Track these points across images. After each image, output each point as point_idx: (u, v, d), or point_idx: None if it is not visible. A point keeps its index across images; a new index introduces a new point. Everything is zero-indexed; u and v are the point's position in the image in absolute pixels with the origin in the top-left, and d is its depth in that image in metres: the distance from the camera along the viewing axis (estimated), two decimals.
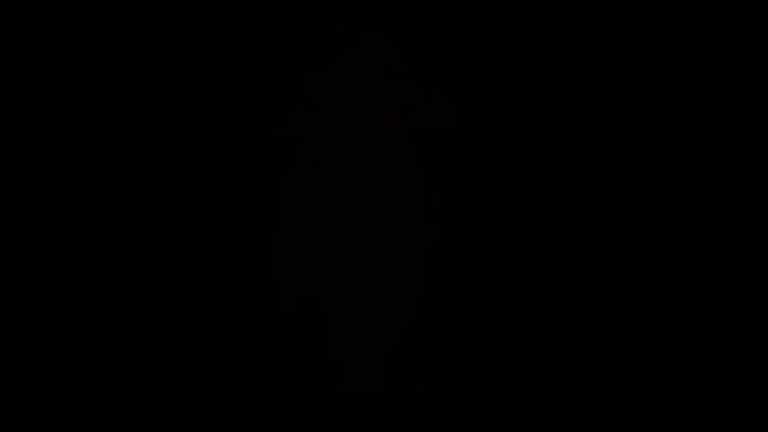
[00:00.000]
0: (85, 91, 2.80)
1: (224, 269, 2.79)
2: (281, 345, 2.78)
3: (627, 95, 2.77)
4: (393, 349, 2.75)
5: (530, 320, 2.75)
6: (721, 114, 2.74)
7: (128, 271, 2.79)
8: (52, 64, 2.80)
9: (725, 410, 2.68)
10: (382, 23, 2.78)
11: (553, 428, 2.70)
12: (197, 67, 2.80)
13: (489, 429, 2.72)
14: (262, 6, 2.80)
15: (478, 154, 2.79)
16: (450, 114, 2.79)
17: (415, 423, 2.71)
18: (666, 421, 2.69)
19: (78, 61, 2.80)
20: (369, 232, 2.78)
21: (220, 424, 2.74)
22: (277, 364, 2.77)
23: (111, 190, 2.79)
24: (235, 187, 2.80)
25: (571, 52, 2.77)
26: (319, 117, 2.80)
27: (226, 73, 2.80)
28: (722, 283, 2.71)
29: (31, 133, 2.80)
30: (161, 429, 2.74)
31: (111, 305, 2.78)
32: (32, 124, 2.80)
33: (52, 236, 2.78)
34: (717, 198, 2.72)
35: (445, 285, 2.76)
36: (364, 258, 2.77)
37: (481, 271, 2.76)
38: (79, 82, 2.80)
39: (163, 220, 2.79)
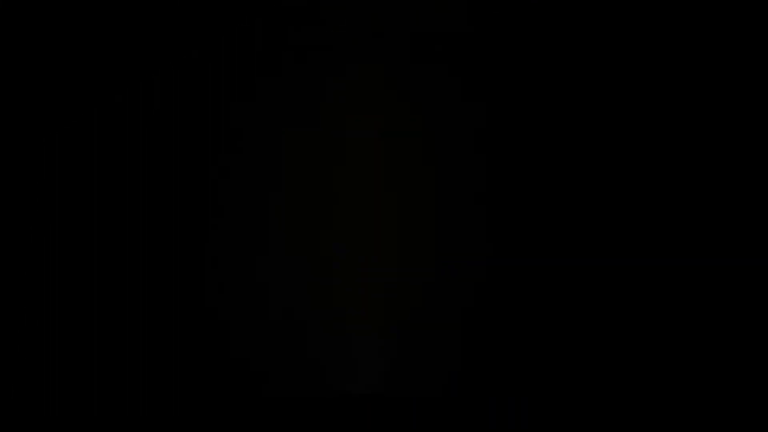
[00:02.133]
0: (85, 91, 2.80)
1: (221, 267, 2.78)
2: (276, 349, 2.77)
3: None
4: (393, 350, 2.75)
5: (532, 323, 2.74)
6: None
7: (128, 271, 2.78)
8: (52, 64, 2.80)
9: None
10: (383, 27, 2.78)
11: None
12: (197, 67, 2.80)
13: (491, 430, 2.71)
14: (262, 6, 2.80)
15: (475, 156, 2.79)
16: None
17: (416, 424, 2.71)
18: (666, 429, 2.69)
19: (78, 61, 2.80)
20: (369, 232, 2.78)
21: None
22: (272, 369, 2.77)
23: (111, 190, 2.79)
24: (232, 188, 2.80)
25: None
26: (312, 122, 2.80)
27: (226, 73, 2.80)
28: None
29: (31, 133, 2.80)
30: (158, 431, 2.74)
31: (110, 306, 2.77)
32: (32, 124, 2.80)
33: (52, 236, 2.78)
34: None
35: (447, 286, 2.76)
36: (363, 258, 2.77)
37: (482, 271, 2.76)
38: (79, 82, 2.80)
39: (163, 220, 2.79)
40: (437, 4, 2.78)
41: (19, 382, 2.74)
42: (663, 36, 2.76)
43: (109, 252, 2.78)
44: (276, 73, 2.80)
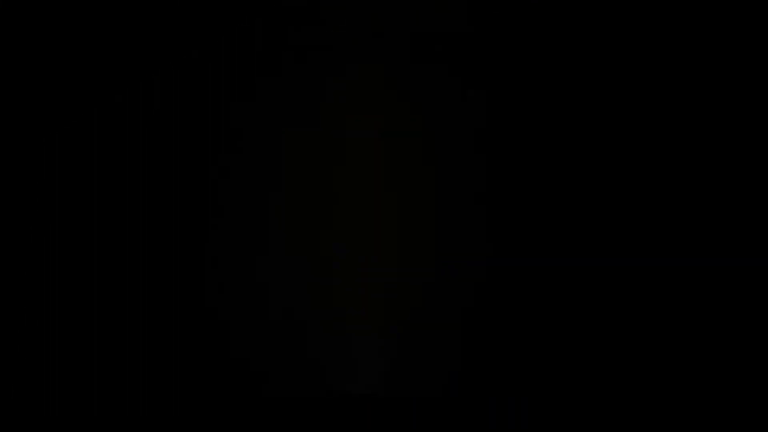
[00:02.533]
0: (85, 91, 2.80)
1: (221, 267, 2.78)
2: (276, 349, 2.77)
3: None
4: (393, 350, 2.75)
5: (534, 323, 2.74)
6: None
7: (128, 271, 2.78)
8: (52, 64, 2.80)
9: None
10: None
11: None
12: (197, 67, 2.80)
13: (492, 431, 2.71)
14: (262, 6, 2.80)
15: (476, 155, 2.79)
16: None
17: (416, 425, 2.71)
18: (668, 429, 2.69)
19: (78, 61, 2.80)
20: (369, 232, 2.77)
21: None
22: (272, 369, 2.76)
23: (111, 190, 2.79)
24: (232, 188, 2.80)
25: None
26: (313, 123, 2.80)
27: (226, 73, 2.80)
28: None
29: (31, 133, 2.79)
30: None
31: (110, 306, 2.77)
32: (32, 124, 2.80)
33: (52, 236, 2.78)
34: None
35: (447, 286, 2.76)
36: (363, 258, 2.77)
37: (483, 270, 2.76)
38: (79, 82, 2.80)
39: (163, 220, 2.79)
40: (437, 4, 2.78)
41: (19, 382, 2.74)
42: (662, 36, 2.76)
43: (109, 252, 2.78)
44: (276, 73, 2.80)
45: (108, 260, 2.78)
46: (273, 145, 2.80)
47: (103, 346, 2.76)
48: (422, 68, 2.79)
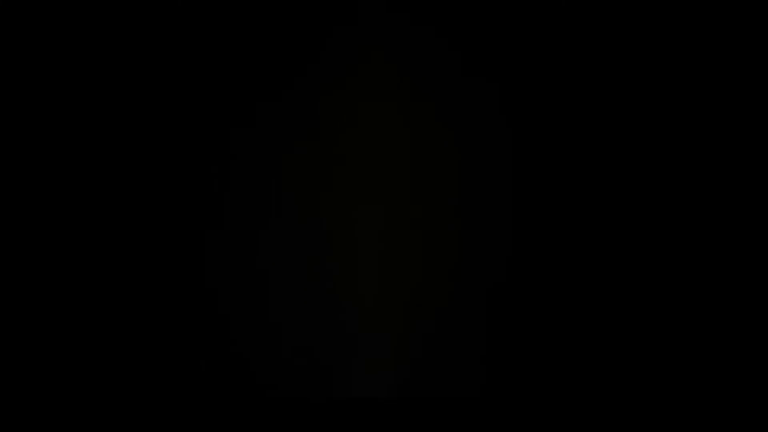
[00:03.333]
0: (85, 91, 2.79)
1: (233, 266, 2.78)
2: (294, 351, 2.77)
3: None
4: (417, 351, 2.74)
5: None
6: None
7: (127, 270, 2.78)
8: (52, 63, 2.78)
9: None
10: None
11: None
12: (197, 67, 2.79)
13: None
14: (264, 8, 2.79)
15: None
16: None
17: (440, 426, 2.71)
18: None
19: (78, 60, 2.78)
20: (391, 229, 2.76)
21: None
22: (289, 371, 2.77)
23: (111, 189, 2.78)
24: (232, 187, 2.79)
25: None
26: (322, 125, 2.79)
27: (226, 75, 2.79)
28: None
29: (31, 133, 2.78)
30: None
31: (110, 305, 2.77)
32: (32, 124, 2.78)
33: (52, 236, 2.77)
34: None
35: (470, 284, 2.75)
36: (386, 256, 2.75)
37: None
38: (79, 82, 2.78)
39: (162, 221, 2.78)
40: None
41: (19, 381, 2.74)
42: (663, 36, 2.76)
43: (109, 251, 2.77)
44: (287, 71, 2.79)
45: (108, 259, 2.77)
46: (283, 139, 2.78)
47: (103, 345, 2.76)
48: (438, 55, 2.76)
